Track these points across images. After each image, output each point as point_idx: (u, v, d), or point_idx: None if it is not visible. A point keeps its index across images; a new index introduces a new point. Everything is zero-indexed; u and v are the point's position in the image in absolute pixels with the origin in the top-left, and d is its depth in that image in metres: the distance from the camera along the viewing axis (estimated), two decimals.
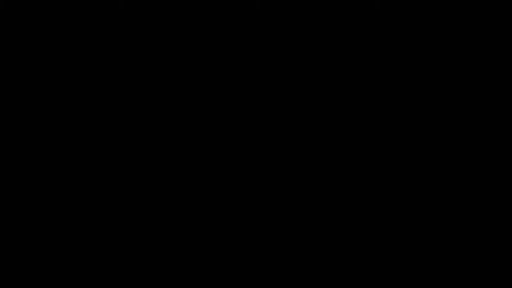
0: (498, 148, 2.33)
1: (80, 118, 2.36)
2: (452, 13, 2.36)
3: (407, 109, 2.35)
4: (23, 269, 2.31)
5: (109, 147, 2.36)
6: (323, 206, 2.34)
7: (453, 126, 2.35)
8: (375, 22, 2.37)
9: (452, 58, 2.36)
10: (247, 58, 2.38)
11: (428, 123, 2.35)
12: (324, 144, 2.36)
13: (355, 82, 2.37)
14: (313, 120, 2.36)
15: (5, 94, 2.36)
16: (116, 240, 2.33)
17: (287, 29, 2.38)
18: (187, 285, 2.32)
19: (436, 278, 2.30)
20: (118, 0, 2.38)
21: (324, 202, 2.35)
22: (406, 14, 2.36)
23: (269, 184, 2.35)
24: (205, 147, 2.36)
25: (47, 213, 2.33)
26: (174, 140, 2.36)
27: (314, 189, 2.35)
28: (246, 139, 2.36)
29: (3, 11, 2.37)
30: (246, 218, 2.35)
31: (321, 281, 2.32)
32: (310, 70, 2.37)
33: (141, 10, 2.38)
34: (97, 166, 2.35)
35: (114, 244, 2.33)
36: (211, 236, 2.34)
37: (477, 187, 2.33)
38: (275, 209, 2.35)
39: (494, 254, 2.30)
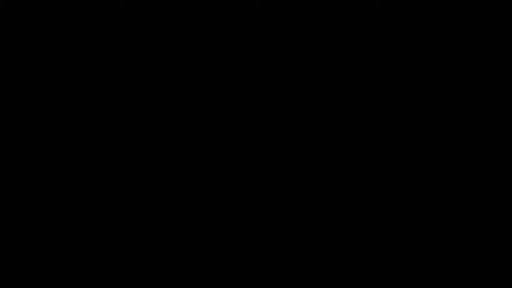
0: (498, 148, 2.34)
1: (80, 118, 2.36)
2: (452, 13, 2.36)
3: (407, 109, 2.36)
4: (23, 269, 2.31)
5: (109, 147, 2.36)
6: (323, 206, 2.35)
7: (453, 126, 2.35)
8: (375, 22, 2.37)
9: (452, 58, 2.36)
10: (247, 58, 2.38)
11: (428, 123, 2.35)
12: (324, 144, 2.36)
13: (355, 82, 2.37)
14: (313, 120, 2.36)
15: (5, 94, 2.36)
16: (116, 240, 2.33)
17: (287, 29, 2.38)
18: (187, 285, 2.32)
19: (436, 278, 2.30)
20: (118, 0, 2.38)
21: (324, 202, 2.35)
22: (406, 14, 2.36)
23: (269, 184, 2.35)
24: (205, 147, 2.36)
25: (47, 213, 2.33)
26: (174, 140, 2.36)
27: (314, 189, 2.35)
28: (246, 139, 2.36)
29: (3, 11, 2.37)
30: (246, 218, 2.35)
31: (321, 281, 2.32)
32: (310, 70, 2.37)
33: (141, 10, 2.38)
34: (97, 166, 2.35)
35: (114, 244, 2.33)
36: (211, 236, 2.34)
37: (477, 187, 2.33)
38: (275, 209, 2.35)
39: (494, 254, 2.30)
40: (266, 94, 2.38)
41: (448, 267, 2.30)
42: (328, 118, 2.36)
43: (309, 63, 2.37)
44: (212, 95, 2.38)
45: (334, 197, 2.35)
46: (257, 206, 2.35)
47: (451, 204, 2.33)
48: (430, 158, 2.34)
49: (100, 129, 2.36)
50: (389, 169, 2.34)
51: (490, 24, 2.36)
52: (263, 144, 2.36)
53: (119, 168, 2.36)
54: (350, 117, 2.36)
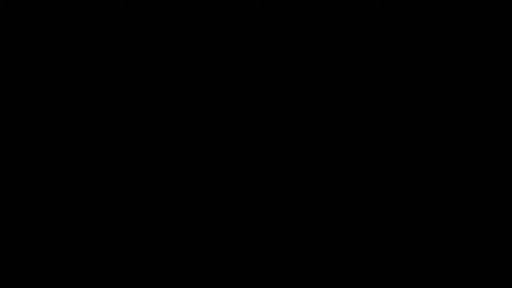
0: (498, 148, 2.33)
1: (80, 118, 2.36)
2: (452, 13, 2.36)
3: (407, 109, 2.36)
4: (23, 269, 2.31)
5: (109, 147, 2.36)
6: (323, 206, 2.35)
7: (453, 126, 2.35)
8: (375, 22, 2.37)
9: (452, 58, 2.36)
10: (247, 58, 2.38)
11: (428, 123, 2.35)
12: (324, 144, 2.36)
13: (355, 82, 2.37)
14: (313, 120, 2.36)
15: (5, 94, 2.36)
16: (116, 240, 2.33)
17: (287, 29, 2.38)
18: (187, 285, 2.32)
19: (436, 278, 2.30)
20: (118, 0, 2.38)
21: (324, 202, 2.35)
22: (406, 14, 2.36)
23: (269, 184, 2.35)
24: (205, 147, 2.36)
25: (47, 213, 2.33)
26: (174, 140, 2.36)
27: (314, 189, 2.35)
28: (246, 139, 2.36)
29: (3, 11, 2.37)
30: (246, 218, 2.35)
31: (321, 281, 2.32)
32: (310, 70, 2.37)
33: (141, 10, 2.38)
34: (97, 166, 2.35)
35: (114, 244, 2.33)
36: (211, 236, 2.34)
37: (477, 187, 2.33)
38: (275, 209, 2.35)
39: (494, 254, 2.30)
40: (266, 94, 2.38)
41: (448, 267, 2.30)
42: (328, 118, 2.36)
43: (309, 63, 2.37)
44: (212, 95, 2.38)
45: (334, 197, 2.35)
46: (257, 206, 2.35)
47: (451, 204, 2.33)
48: (430, 158, 2.34)
49: (100, 129, 2.36)
50: (389, 169, 2.34)
51: (490, 24, 2.36)
52: (263, 144, 2.36)
53: (119, 168, 2.36)
54: (350, 117, 2.36)
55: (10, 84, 2.37)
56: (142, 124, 2.37)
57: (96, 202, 2.34)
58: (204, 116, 2.37)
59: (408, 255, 2.31)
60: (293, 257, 2.33)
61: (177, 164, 2.36)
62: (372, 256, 2.32)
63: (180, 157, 2.36)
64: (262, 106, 2.37)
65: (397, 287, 2.30)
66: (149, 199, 2.35)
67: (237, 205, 2.35)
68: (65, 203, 2.34)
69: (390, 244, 2.32)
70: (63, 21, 2.38)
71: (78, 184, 2.34)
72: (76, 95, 2.37)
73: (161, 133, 2.36)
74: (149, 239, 2.34)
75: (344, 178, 2.35)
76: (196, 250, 2.33)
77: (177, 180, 2.35)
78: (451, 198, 2.33)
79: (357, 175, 2.35)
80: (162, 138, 2.36)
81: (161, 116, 2.37)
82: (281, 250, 2.33)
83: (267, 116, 2.37)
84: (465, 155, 2.34)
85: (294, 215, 2.35)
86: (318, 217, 2.34)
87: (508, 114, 2.34)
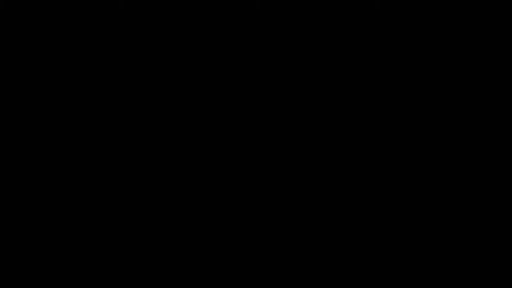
0: (498, 148, 2.34)
1: (80, 118, 2.36)
2: (452, 13, 2.36)
3: (407, 109, 2.36)
4: (23, 269, 2.31)
5: (109, 147, 2.36)
6: (323, 206, 2.35)
7: (453, 126, 2.35)
8: (375, 22, 2.37)
9: (452, 58, 2.36)
10: (247, 58, 2.38)
11: (428, 123, 2.35)
12: (324, 144, 2.36)
13: (355, 82, 2.37)
14: (313, 120, 2.36)
15: (5, 94, 2.37)
16: (116, 240, 2.33)
17: (287, 29, 2.38)
18: (187, 285, 2.32)
19: (436, 278, 2.30)
20: (118, 0, 2.38)
21: (324, 202, 2.35)
22: (406, 14, 2.36)
23: (269, 184, 2.35)
24: (205, 147, 2.36)
25: (47, 213, 2.34)
26: (174, 140, 2.36)
27: (314, 189, 2.35)
28: (246, 139, 2.36)
29: (3, 11, 2.37)
30: (246, 218, 2.35)
31: (321, 281, 2.32)
32: (310, 70, 2.37)
33: (141, 10, 2.38)
34: (97, 166, 2.35)
35: (114, 244, 2.33)
36: (211, 236, 2.34)
37: (477, 187, 2.33)
38: (275, 209, 2.35)
39: (494, 254, 2.30)
40: (266, 94, 2.38)
41: (448, 267, 2.31)
42: (328, 118, 2.36)
43: (309, 63, 2.38)
44: (212, 95, 2.38)
45: (334, 197, 2.35)
46: (257, 206, 2.35)
47: (451, 204, 2.33)
48: (430, 158, 2.34)
49: (100, 129, 2.36)
50: (389, 169, 2.35)
51: (490, 24, 2.36)
52: (263, 144, 2.36)
53: (119, 168, 2.36)
54: (350, 117, 2.36)
55: (10, 84, 2.37)
56: (142, 124, 2.37)
57: (96, 202, 2.34)
58: (204, 116, 2.37)
59: (408, 255, 2.32)
60: (293, 257, 2.33)
61: (177, 164, 2.36)
62: (372, 256, 2.32)
63: (180, 156, 2.36)
64: (262, 106, 2.37)
65: (397, 287, 2.30)
66: (149, 199, 2.35)
67: (237, 205, 2.35)
68: (65, 203, 2.34)
69: (390, 244, 2.32)
70: (63, 21, 2.38)
71: (78, 184, 2.35)
72: (76, 95, 2.37)
73: (161, 133, 2.36)
74: (149, 239, 2.34)
75: (344, 178, 2.35)
76: (196, 250, 2.34)
77: (177, 180, 2.36)
78: (451, 198, 2.33)
79: (357, 175, 2.35)
80: (162, 138, 2.36)
81: (161, 116, 2.37)
82: (281, 250, 2.33)
83: (267, 116, 2.37)
84: (465, 155, 2.34)
85: (294, 215, 2.35)
86: (318, 217, 2.34)
87: (508, 114, 2.34)
